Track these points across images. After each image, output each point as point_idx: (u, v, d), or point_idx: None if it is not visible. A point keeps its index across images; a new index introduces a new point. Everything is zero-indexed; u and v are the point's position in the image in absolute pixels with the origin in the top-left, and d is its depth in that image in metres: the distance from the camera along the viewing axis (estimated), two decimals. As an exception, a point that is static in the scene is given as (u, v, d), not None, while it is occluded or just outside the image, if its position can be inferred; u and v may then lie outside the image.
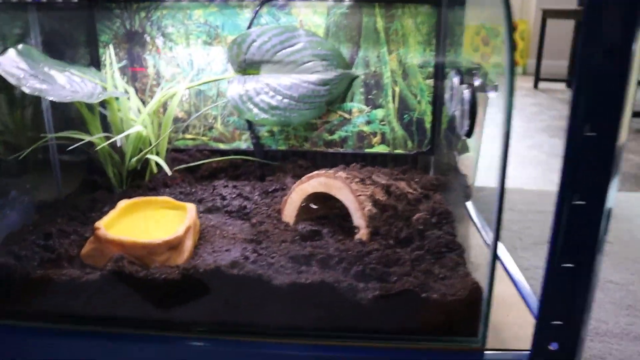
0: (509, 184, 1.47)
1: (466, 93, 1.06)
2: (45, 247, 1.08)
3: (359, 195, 1.18)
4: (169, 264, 0.98)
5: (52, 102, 1.45)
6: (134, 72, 1.56)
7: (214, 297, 0.92)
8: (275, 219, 1.27)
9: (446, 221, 1.22)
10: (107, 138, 1.34)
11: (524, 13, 5.92)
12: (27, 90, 1.13)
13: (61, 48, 1.50)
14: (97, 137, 1.31)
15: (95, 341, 0.92)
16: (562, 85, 5.21)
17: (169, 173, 1.28)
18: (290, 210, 1.27)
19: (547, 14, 4.93)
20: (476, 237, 1.19)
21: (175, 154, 1.57)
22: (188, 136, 1.62)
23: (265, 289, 0.91)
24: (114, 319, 0.94)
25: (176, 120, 1.59)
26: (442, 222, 1.21)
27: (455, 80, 1.17)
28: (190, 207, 1.21)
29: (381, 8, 1.47)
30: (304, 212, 1.28)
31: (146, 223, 1.21)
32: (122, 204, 1.20)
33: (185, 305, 0.93)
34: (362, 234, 1.15)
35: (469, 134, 1.07)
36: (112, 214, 1.15)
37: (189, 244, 1.10)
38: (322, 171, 1.24)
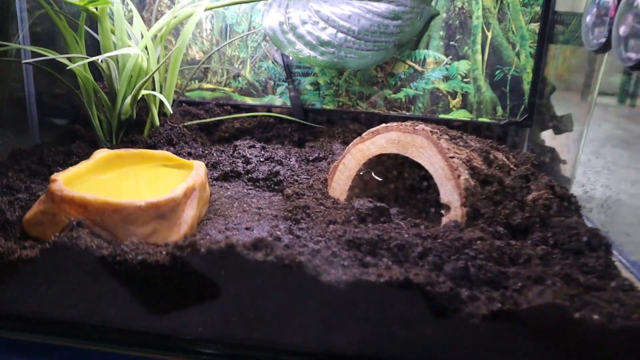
0: (583, 189, 1.19)
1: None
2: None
3: (452, 157, 0.77)
4: (154, 240, 0.68)
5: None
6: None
7: (222, 298, 0.59)
8: (319, 191, 0.88)
9: (574, 207, 0.82)
10: (95, 69, 0.95)
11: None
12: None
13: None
14: (69, 58, 0.91)
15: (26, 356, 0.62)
16: (613, 100, 4.85)
17: (171, 111, 0.88)
18: (341, 181, 0.87)
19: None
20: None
21: (187, 107, 1.18)
22: (206, 85, 1.22)
23: (308, 289, 0.58)
24: (56, 323, 0.64)
25: (192, 63, 1.20)
26: (569, 208, 0.81)
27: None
28: (199, 165, 0.83)
29: None
30: (360, 185, 0.88)
31: (134, 183, 0.83)
32: (100, 154, 0.83)
33: (173, 309, 0.60)
34: (456, 215, 0.75)
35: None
36: (83, 165, 0.79)
37: (190, 214, 0.72)
38: (394, 124, 0.84)
